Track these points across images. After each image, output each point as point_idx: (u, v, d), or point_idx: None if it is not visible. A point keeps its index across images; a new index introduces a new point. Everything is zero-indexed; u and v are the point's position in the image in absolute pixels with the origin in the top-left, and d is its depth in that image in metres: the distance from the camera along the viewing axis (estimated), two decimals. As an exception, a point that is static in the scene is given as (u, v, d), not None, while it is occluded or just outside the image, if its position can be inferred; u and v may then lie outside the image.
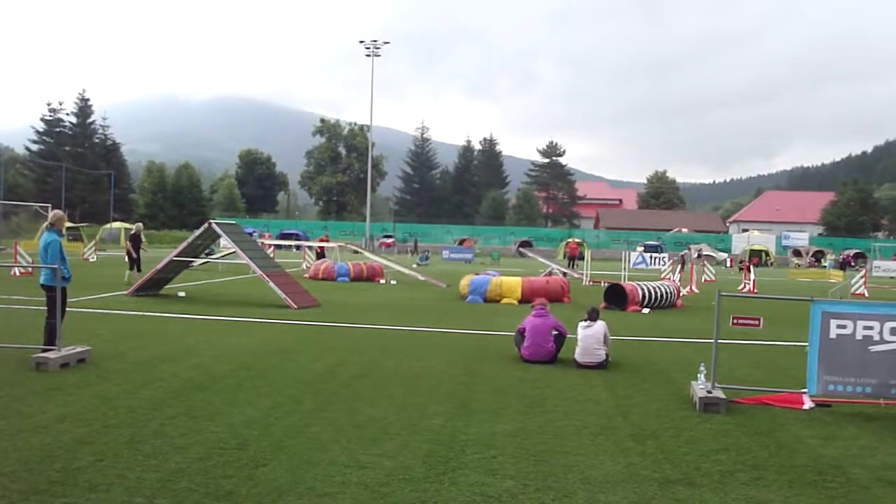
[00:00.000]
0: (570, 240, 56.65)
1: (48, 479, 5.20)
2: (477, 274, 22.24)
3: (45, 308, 9.92)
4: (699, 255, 57.07)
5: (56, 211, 10.71)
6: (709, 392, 8.07)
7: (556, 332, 10.72)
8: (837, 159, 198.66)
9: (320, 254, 35.12)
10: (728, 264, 60.43)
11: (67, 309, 10.13)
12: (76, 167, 77.53)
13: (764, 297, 22.17)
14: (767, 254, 67.47)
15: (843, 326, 7.93)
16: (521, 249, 55.36)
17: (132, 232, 23.45)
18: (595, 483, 5.52)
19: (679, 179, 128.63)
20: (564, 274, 29.07)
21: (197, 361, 9.90)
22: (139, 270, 21.75)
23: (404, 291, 23.35)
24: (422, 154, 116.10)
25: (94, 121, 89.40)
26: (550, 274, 27.90)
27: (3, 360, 9.39)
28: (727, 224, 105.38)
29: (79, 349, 9.59)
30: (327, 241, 36.17)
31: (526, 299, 19.61)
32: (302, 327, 13.92)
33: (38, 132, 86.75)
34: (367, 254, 33.26)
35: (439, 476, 5.55)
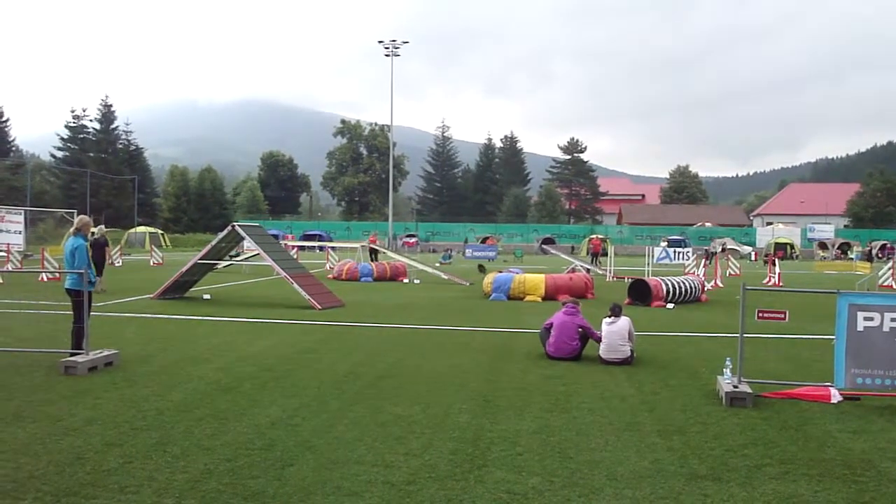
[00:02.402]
0: (593, 236, 56.47)
1: (79, 482, 5.26)
2: (500, 272, 22.22)
3: (72, 312, 10.04)
4: (723, 249, 56.68)
5: (82, 216, 10.82)
6: (735, 386, 8.01)
7: (581, 330, 10.69)
8: (863, 150, 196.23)
9: (373, 252, 34.65)
10: (753, 258, 59.97)
11: (93, 313, 10.22)
12: (100, 173, 78.25)
13: (789, 290, 21.98)
14: (792, 247, 66.85)
15: (871, 319, 7.84)
16: (543, 246, 55.21)
17: (95, 236, 21.40)
18: (621, 479, 5.50)
19: (702, 174, 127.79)
20: (588, 270, 29.00)
21: (223, 363, 9.97)
22: (100, 275, 20.13)
23: (428, 290, 23.37)
24: (443, 153, 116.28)
25: (117, 126, 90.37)
26: (574, 270, 27.82)
27: (32, 365, 9.51)
28: (751, 217, 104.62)
29: (106, 353, 9.68)
30: (375, 241, 35.92)
31: (550, 296, 19.60)
32: (326, 327, 13.97)
33: (62, 139, 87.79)
34: (390, 253, 33.31)
35: (465, 474, 5.55)
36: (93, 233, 17.80)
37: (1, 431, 6.51)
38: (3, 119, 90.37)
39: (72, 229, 10.37)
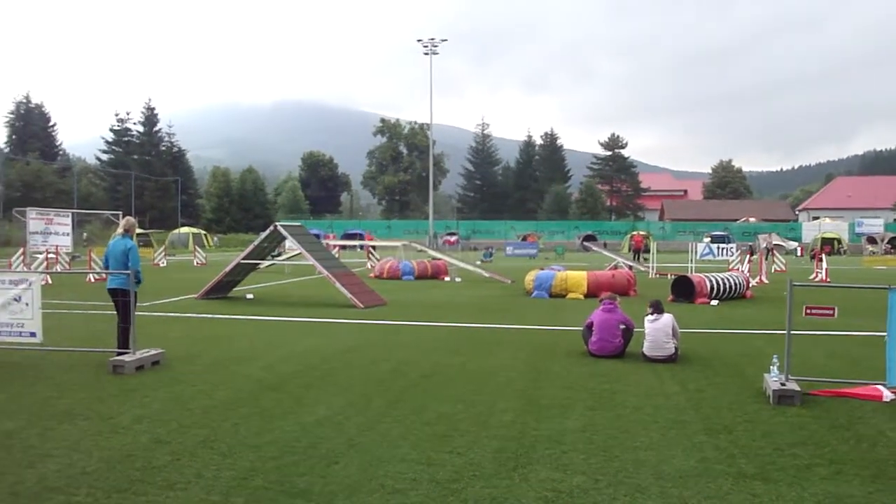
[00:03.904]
0: (635, 233, 56.02)
1: (129, 478, 5.35)
2: (542, 269, 22.12)
3: (117, 312, 10.19)
4: (768, 245, 55.86)
5: (128, 218, 10.98)
6: (783, 384, 7.89)
7: (623, 326, 10.61)
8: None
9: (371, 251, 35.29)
10: (798, 253, 59.03)
11: (137, 313, 10.37)
12: (144, 174, 79.46)
13: (838, 285, 21.60)
14: (840, 241, 65.52)
15: (923, 314, 7.66)
16: (585, 244, 54.82)
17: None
18: (668, 478, 5.44)
19: (745, 168, 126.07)
20: (630, 267, 28.77)
21: (267, 362, 10.06)
22: None
23: (469, 289, 23.35)
24: (483, 150, 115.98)
25: (160, 129, 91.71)
26: (616, 267, 27.62)
27: (82, 364, 9.70)
28: (797, 212, 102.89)
29: (153, 352, 9.82)
30: (372, 238, 36.33)
31: (592, 293, 19.46)
32: (369, 326, 14.03)
33: (107, 142, 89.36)
34: (431, 252, 33.36)
35: (510, 472, 5.54)
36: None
37: (53, 429, 6.65)
38: (51, 124, 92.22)
39: (119, 230, 10.50)
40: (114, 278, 10.22)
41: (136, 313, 10.04)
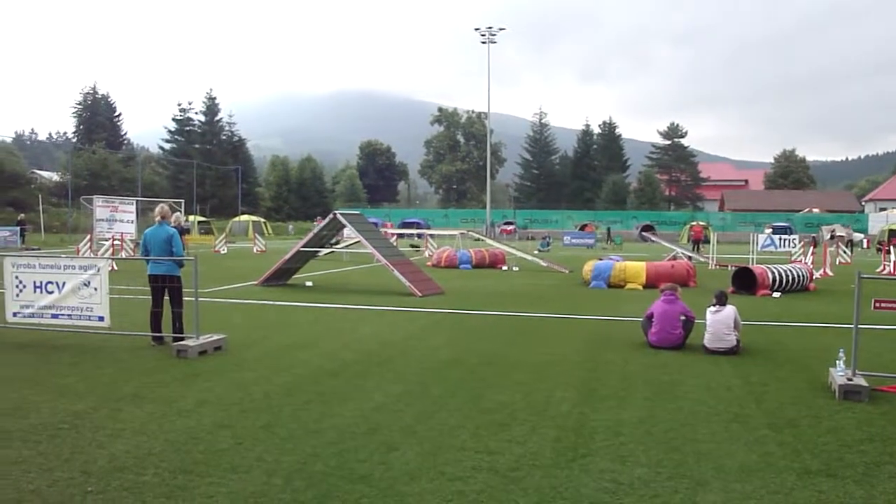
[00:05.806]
0: (694, 223, 55.17)
1: (193, 460, 5.47)
2: (600, 259, 21.95)
3: (159, 298, 10.36)
4: (832, 237, 54.57)
5: (163, 205, 11.10)
6: (849, 379, 7.70)
7: (684, 318, 10.47)
8: None
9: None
10: (864, 245, 57.54)
11: (201, 299, 10.53)
12: (206, 163, 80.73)
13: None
14: (909, 233, 63.62)
15: None
16: (643, 234, 54.15)
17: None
18: (730, 472, 5.36)
19: (809, 158, 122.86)
20: (689, 258, 28.38)
21: (326, 349, 10.16)
22: None
23: (527, 278, 23.28)
24: (540, 140, 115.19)
25: (220, 119, 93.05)
26: (675, 258, 27.26)
27: (147, 348, 9.93)
28: (863, 203, 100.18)
29: (216, 337, 10.00)
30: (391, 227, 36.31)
31: (651, 284, 19.25)
32: (427, 315, 14.08)
33: (170, 132, 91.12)
34: (488, 241, 33.33)
35: (569, 462, 5.52)
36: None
37: (121, 410, 6.83)
38: (116, 114, 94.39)
39: (157, 218, 10.58)
40: (158, 265, 10.35)
41: (200, 300, 10.21)
